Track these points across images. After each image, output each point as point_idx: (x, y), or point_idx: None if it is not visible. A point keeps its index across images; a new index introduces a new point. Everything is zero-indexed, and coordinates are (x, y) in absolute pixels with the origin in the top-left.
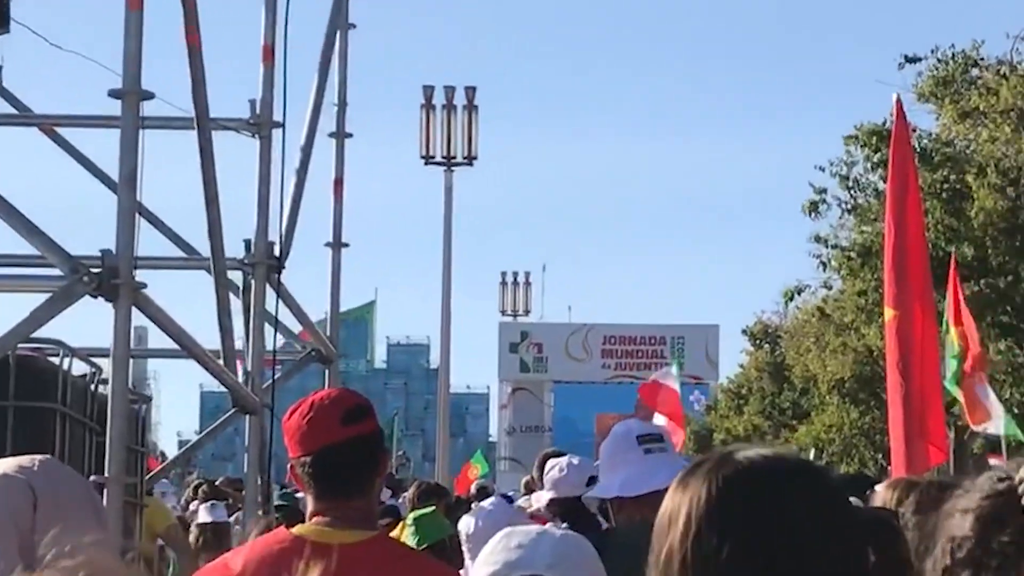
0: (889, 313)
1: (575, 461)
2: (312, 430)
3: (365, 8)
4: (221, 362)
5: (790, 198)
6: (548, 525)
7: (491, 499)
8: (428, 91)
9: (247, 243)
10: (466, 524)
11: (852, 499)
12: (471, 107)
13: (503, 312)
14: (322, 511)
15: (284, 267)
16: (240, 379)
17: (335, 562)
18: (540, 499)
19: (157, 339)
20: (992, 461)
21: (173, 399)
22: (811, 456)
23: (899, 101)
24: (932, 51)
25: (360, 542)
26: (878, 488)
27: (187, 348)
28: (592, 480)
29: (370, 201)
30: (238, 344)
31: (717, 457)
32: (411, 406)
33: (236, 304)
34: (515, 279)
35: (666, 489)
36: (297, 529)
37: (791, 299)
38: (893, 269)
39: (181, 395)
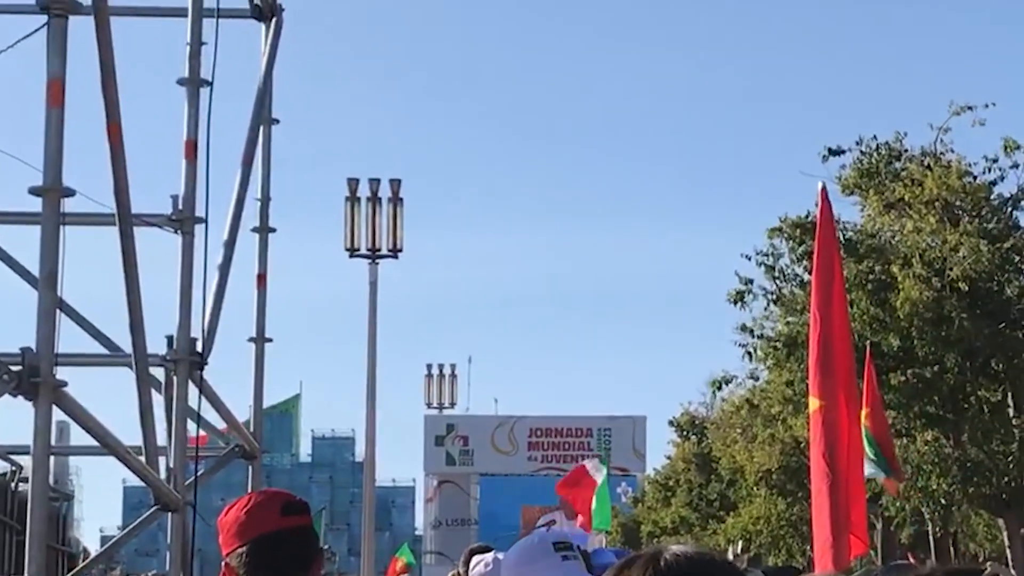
0: (814, 403)
1: (500, 556)
2: (251, 520)
3: (288, 103)
4: (143, 459)
5: (716, 289)
6: None
7: None
8: (352, 183)
9: (169, 339)
10: None
11: None
12: (396, 199)
13: (429, 405)
14: None
15: (207, 363)
16: (162, 475)
17: None
18: None
19: (79, 434)
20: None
21: (96, 494)
22: (739, 548)
23: (824, 189)
24: (856, 143)
25: None
26: None
27: (109, 446)
28: None
29: (294, 294)
30: (161, 440)
31: (648, 555)
32: (336, 500)
33: (159, 399)
34: (441, 371)
35: None
36: None
37: (718, 390)
38: (818, 360)
39: (104, 489)
